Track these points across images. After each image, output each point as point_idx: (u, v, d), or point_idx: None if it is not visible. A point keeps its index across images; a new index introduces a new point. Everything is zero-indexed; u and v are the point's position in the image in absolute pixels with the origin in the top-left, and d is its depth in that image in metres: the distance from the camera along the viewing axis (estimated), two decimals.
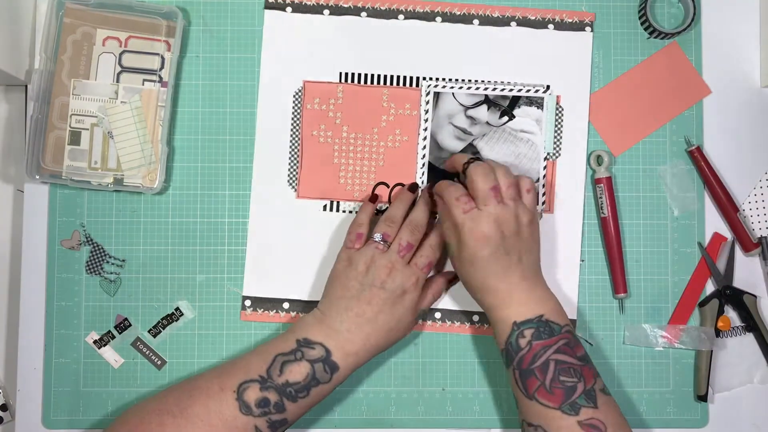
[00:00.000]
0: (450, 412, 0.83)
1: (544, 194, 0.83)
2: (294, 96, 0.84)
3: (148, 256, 0.83)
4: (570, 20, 0.84)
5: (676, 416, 0.83)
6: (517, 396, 0.72)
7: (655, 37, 0.85)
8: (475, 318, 0.83)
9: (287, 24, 0.84)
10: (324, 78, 0.84)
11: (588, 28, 0.84)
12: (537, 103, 0.84)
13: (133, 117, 0.82)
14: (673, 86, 0.85)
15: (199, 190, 0.83)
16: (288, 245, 0.83)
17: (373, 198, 0.82)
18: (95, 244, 0.83)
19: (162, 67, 0.82)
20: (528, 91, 0.84)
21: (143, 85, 0.82)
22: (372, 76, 0.84)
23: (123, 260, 0.83)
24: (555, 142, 0.84)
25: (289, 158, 0.84)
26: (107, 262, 0.83)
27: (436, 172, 0.84)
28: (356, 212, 0.82)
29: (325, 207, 0.83)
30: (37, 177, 0.81)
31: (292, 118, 0.84)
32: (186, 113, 0.84)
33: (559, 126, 0.84)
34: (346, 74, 0.84)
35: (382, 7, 0.84)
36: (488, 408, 0.83)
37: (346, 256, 0.77)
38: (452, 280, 0.82)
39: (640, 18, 0.85)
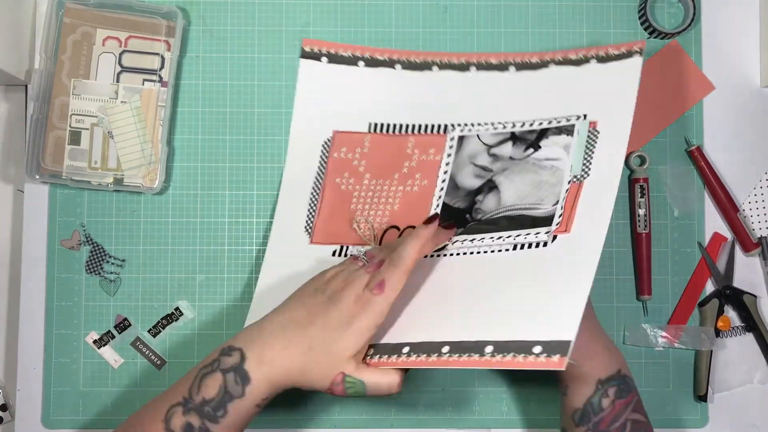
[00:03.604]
0: (450, 412, 0.83)
1: (560, 215, 0.73)
2: (323, 146, 0.82)
3: (148, 256, 0.83)
4: (616, 52, 0.76)
5: (676, 416, 0.83)
6: None
7: (655, 37, 0.85)
8: (489, 348, 0.66)
9: (322, 74, 0.82)
10: (353, 128, 0.82)
11: (637, 56, 0.75)
12: (567, 130, 0.76)
13: (133, 117, 0.82)
14: (677, 84, 0.84)
15: (199, 190, 0.83)
16: (294, 289, 0.76)
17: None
18: (95, 244, 0.83)
19: (162, 67, 0.82)
20: (559, 122, 0.77)
21: (143, 85, 0.82)
22: (401, 125, 0.81)
23: (123, 260, 0.83)
24: (584, 164, 0.74)
25: (309, 205, 0.81)
26: (107, 262, 0.83)
27: (450, 212, 0.78)
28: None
29: (335, 252, 0.80)
30: (37, 177, 0.81)
31: (318, 167, 0.81)
32: (186, 113, 0.84)
33: (590, 148, 0.75)
34: (376, 124, 0.81)
35: (417, 60, 0.82)
36: (488, 408, 0.83)
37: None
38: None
39: (639, 18, 0.85)
